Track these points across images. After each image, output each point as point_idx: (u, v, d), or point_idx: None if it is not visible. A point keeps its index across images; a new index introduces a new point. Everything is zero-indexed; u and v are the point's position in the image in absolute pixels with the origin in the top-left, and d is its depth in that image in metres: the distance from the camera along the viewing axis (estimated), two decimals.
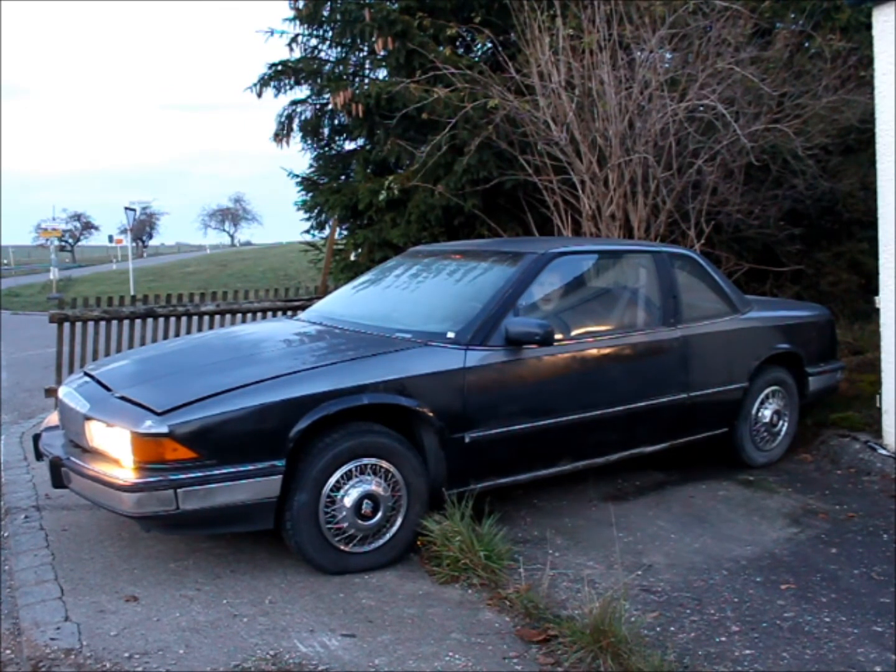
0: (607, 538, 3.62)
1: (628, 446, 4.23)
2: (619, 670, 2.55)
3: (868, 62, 5.16)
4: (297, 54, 8.38)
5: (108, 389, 3.48)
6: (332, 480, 3.26)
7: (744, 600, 3.12)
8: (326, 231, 9.06)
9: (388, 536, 3.39)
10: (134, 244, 48.25)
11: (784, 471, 4.76)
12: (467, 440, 3.56)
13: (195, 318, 6.84)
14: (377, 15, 7.29)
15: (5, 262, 46.55)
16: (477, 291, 4.03)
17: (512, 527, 3.77)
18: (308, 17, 8.02)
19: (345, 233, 8.88)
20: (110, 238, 46.89)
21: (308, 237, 9.34)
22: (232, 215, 75.31)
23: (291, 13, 8.11)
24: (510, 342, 3.67)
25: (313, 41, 8.45)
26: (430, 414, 3.46)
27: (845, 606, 3.08)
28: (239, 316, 6.99)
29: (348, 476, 3.29)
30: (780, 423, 4.90)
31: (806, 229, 7.36)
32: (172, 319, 6.78)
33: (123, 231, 42.02)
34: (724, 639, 2.83)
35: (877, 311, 4.80)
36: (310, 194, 8.66)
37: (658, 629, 2.89)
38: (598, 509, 4.10)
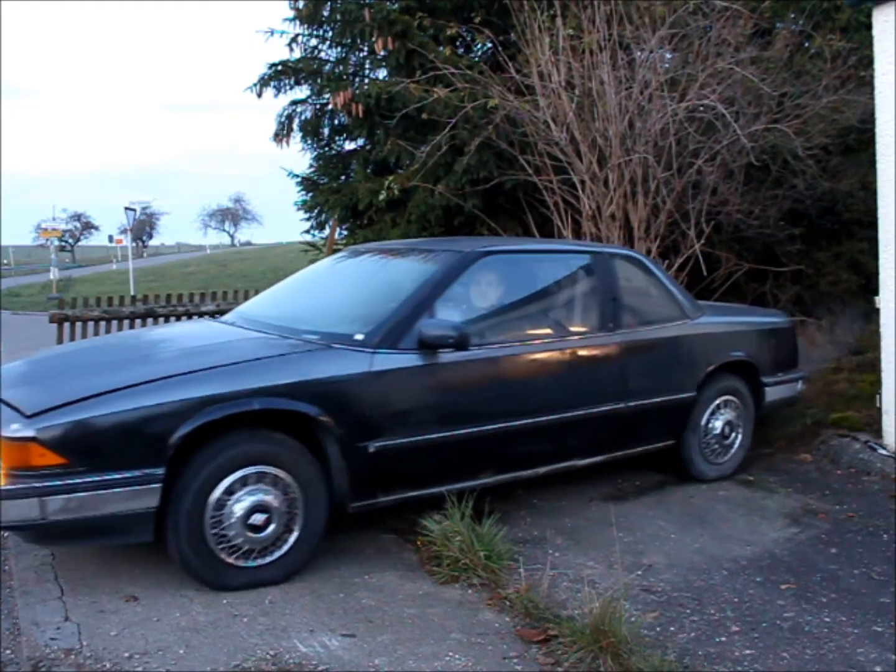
0: (607, 538, 3.61)
1: (558, 459, 3.99)
2: (619, 670, 2.55)
3: (868, 62, 5.16)
4: (297, 54, 8.43)
5: None
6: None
7: (744, 600, 3.12)
8: (326, 231, 9.07)
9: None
10: (134, 244, 48.27)
11: (784, 471, 4.76)
12: (372, 449, 3.30)
13: (195, 318, 6.85)
14: (377, 15, 7.30)
15: (5, 262, 46.55)
16: (395, 291, 3.76)
17: (512, 527, 3.76)
18: (308, 17, 8.04)
19: (345, 233, 8.90)
20: (110, 238, 47.04)
21: (308, 237, 9.35)
22: (232, 215, 75.41)
23: (291, 13, 8.14)
24: (423, 345, 3.44)
25: (313, 41, 8.49)
26: (330, 421, 3.21)
27: (845, 606, 3.08)
28: None
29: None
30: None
31: (806, 229, 7.36)
32: (172, 319, 6.80)
33: (123, 231, 42.05)
34: (724, 639, 2.84)
35: (877, 311, 4.80)
36: (310, 194, 8.68)
37: (658, 629, 2.89)
38: (598, 509, 4.10)
